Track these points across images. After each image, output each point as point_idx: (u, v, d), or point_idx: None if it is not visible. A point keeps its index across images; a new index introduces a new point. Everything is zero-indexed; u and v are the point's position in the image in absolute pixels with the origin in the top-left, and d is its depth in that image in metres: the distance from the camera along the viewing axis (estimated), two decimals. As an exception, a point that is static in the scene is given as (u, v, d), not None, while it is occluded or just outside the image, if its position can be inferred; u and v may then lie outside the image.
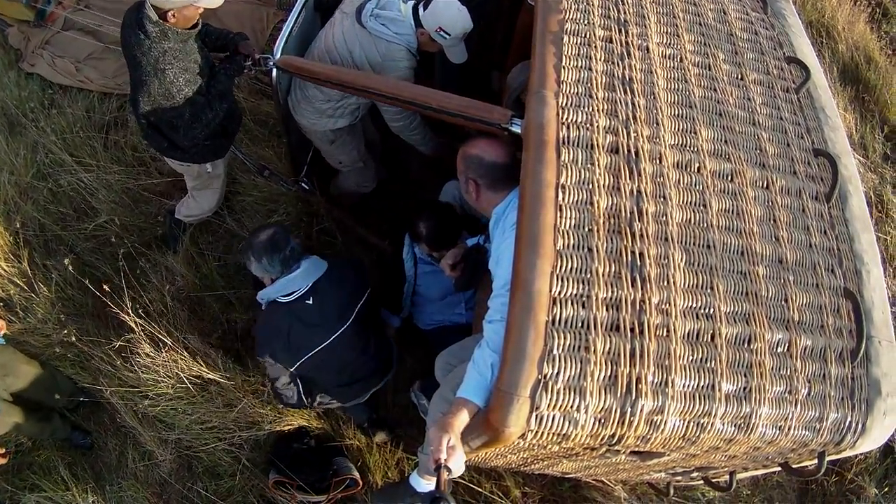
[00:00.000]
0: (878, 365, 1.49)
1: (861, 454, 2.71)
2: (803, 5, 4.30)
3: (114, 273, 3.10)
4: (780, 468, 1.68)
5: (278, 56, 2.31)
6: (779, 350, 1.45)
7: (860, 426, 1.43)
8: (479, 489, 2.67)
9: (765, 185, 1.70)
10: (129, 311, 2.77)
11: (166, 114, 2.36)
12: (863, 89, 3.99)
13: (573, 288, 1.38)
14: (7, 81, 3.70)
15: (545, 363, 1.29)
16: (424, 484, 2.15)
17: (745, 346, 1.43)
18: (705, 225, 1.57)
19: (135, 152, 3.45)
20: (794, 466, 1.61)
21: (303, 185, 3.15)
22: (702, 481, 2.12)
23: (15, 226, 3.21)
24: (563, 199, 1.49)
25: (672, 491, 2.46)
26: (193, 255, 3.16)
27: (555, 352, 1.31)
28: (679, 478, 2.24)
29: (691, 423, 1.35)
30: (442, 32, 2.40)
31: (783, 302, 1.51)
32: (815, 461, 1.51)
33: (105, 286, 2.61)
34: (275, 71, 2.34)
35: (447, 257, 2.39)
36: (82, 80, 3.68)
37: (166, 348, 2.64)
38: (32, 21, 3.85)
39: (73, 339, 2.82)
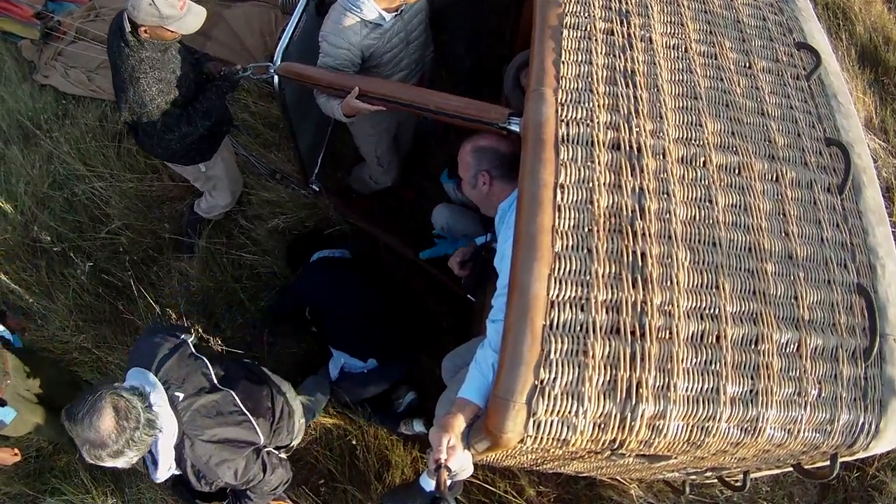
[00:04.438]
0: (892, 364, 1.43)
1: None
2: (818, -13, 4.16)
3: (129, 279, 3.16)
4: (792, 469, 1.64)
5: (279, 63, 2.29)
6: (788, 350, 1.40)
7: (873, 428, 1.38)
8: (493, 489, 2.66)
9: (774, 177, 1.64)
10: (144, 316, 2.81)
11: (141, 120, 2.43)
12: (882, 71, 3.84)
13: (571, 291, 1.35)
14: (21, 94, 3.78)
15: (542, 368, 1.27)
16: (434, 484, 2.15)
17: (752, 347, 1.39)
18: (711, 221, 1.52)
19: (147, 159, 3.49)
20: (806, 468, 1.56)
21: (313, 187, 3.16)
22: (717, 480, 2.08)
23: (32, 235, 3.29)
24: (562, 198, 1.46)
25: (688, 489, 2.43)
26: (208, 258, 3.20)
27: (552, 356, 1.28)
28: (694, 476, 2.20)
29: (695, 428, 1.31)
30: None
31: (793, 300, 1.46)
32: (828, 462, 1.47)
33: (121, 292, 2.65)
34: (276, 78, 2.32)
35: (456, 255, 2.34)
36: (94, 90, 3.74)
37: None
38: (39, 39, 3.92)
39: (91, 345, 2.88)
